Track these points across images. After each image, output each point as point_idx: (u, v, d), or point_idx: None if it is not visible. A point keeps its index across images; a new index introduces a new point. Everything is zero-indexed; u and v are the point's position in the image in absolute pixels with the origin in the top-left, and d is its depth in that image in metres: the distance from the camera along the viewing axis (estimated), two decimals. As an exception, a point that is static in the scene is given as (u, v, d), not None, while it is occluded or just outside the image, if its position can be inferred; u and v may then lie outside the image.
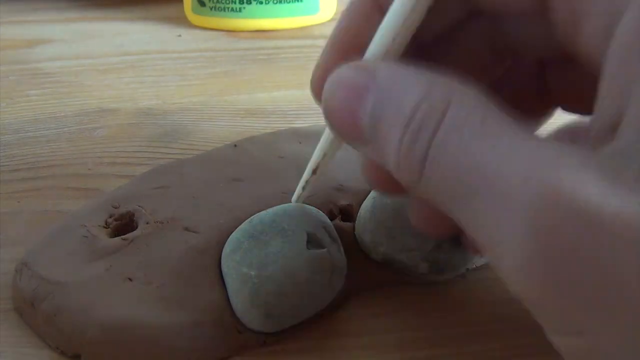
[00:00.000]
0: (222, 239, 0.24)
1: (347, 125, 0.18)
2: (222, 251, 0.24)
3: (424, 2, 0.18)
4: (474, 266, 0.26)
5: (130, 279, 0.23)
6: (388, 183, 0.20)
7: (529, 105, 0.22)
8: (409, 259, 0.24)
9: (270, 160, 0.28)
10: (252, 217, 0.24)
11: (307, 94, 0.38)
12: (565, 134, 0.21)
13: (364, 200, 0.25)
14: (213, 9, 0.48)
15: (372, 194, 0.25)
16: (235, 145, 0.30)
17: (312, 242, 0.23)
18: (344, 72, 0.18)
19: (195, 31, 0.48)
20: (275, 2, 0.46)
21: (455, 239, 0.24)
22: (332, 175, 0.27)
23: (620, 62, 0.15)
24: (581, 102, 0.17)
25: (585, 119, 0.20)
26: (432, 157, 0.16)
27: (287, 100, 0.38)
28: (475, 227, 0.16)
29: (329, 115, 0.19)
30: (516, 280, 0.15)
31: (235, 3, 0.47)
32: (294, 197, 0.23)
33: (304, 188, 0.23)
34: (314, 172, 0.22)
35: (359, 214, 0.25)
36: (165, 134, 0.35)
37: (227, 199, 0.26)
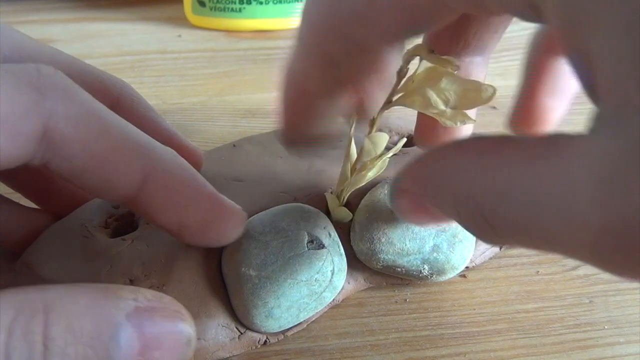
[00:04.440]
0: (222, 239, 0.24)
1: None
2: (222, 251, 0.24)
3: None
4: (474, 265, 0.26)
5: (130, 280, 0.23)
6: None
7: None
8: (409, 263, 0.24)
9: (269, 160, 0.28)
10: (251, 217, 0.24)
11: (307, 94, 0.39)
12: None
13: (362, 198, 0.25)
14: (213, 9, 0.48)
15: (364, 202, 0.25)
16: (234, 145, 0.30)
17: (312, 242, 0.23)
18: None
19: (195, 31, 0.48)
20: (275, 2, 0.46)
21: (452, 239, 0.24)
22: (330, 174, 0.27)
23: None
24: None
25: None
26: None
27: (287, 100, 0.38)
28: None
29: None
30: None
31: (235, 3, 0.47)
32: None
33: None
34: None
35: (352, 225, 0.25)
36: (165, 134, 0.35)
37: (227, 199, 0.26)
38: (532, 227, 0.14)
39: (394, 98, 0.23)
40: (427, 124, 0.24)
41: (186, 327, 0.18)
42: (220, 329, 0.22)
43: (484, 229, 0.16)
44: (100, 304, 0.16)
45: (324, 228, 0.23)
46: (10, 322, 0.15)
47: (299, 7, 0.46)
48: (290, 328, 0.23)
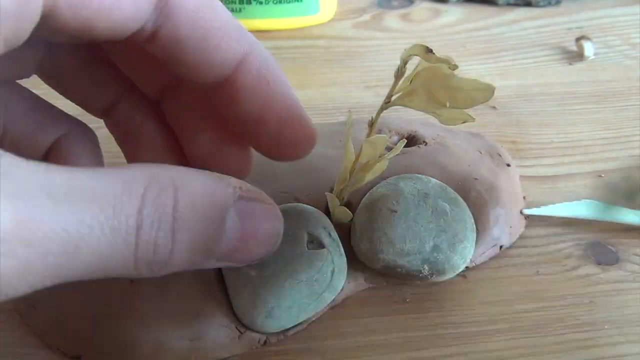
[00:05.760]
0: (222, 239, 0.24)
1: None
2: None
3: None
4: (474, 265, 0.26)
5: (130, 280, 0.23)
6: None
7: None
8: (410, 263, 0.24)
9: (269, 160, 0.28)
10: (252, 217, 0.24)
11: (306, 94, 0.38)
12: None
13: (362, 198, 0.25)
14: (213, 9, 0.48)
15: (364, 202, 0.25)
16: (235, 146, 0.30)
17: (312, 242, 0.23)
18: None
19: (196, 31, 0.48)
20: (275, 2, 0.46)
21: (452, 239, 0.24)
22: (330, 174, 0.27)
23: None
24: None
25: None
26: None
27: (287, 100, 0.38)
28: None
29: None
30: None
31: (235, 3, 0.47)
32: None
33: None
34: None
35: (352, 225, 0.25)
36: (165, 134, 0.35)
37: (227, 199, 0.26)
38: None
39: (393, 98, 0.23)
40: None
41: (278, 223, 0.19)
42: (220, 329, 0.22)
43: None
44: (213, 187, 0.17)
45: (324, 228, 0.23)
46: (143, 192, 0.16)
47: (299, 7, 0.46)
48: (290, 328, 0.23)
